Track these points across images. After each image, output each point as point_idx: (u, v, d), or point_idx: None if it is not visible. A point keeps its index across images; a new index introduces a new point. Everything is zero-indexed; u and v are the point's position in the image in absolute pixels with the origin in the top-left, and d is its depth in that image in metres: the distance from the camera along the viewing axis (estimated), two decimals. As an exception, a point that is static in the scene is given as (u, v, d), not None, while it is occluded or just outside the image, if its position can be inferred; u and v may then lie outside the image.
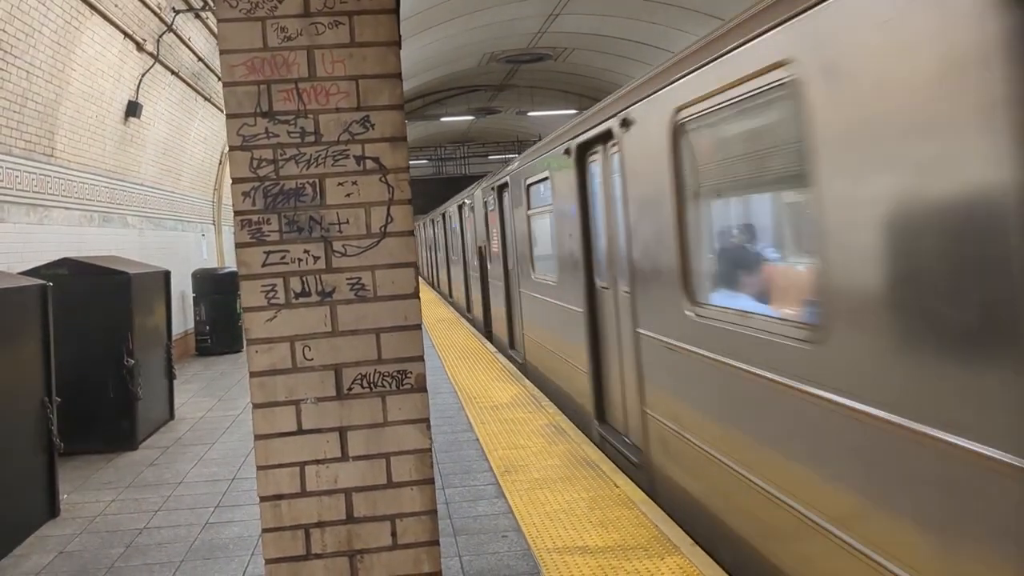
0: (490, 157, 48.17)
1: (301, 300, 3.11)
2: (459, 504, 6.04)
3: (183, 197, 16.20)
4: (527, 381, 10.55)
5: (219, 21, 3.08)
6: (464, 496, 6.21)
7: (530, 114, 35.59)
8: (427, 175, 48.88)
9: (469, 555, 5.10)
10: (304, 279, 3.11)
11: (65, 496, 6.97)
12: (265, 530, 3.12)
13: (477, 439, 7.81)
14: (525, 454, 7.14)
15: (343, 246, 3.12)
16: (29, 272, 8.16)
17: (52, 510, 6.58)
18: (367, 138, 3.13)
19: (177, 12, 12.73)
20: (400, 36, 3.21)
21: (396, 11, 3.16)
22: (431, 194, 42.10)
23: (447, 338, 15.53)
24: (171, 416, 10.06)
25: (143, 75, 12.39)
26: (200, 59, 14.40)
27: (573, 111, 31.99)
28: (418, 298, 3.16)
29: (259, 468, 3.11)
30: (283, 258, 3.10)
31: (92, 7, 10.00)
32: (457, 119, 38.09)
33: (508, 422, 8.37)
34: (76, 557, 5.71)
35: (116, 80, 11.56)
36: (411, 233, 3.15)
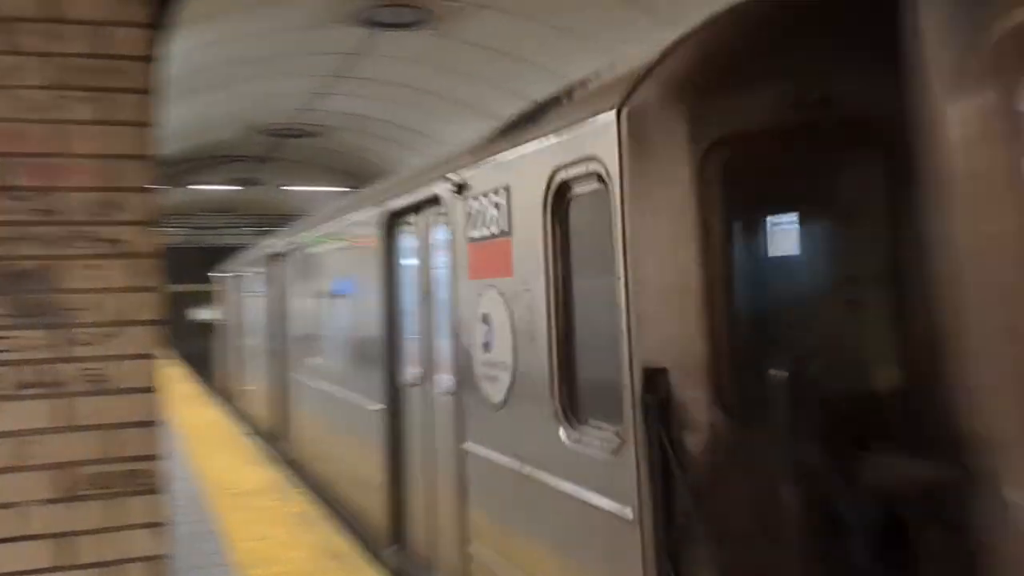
0: (243, 230, 46.35)
1: (28, 391, 2.86)
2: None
3: None
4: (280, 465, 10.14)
5: (-43, 86, 2.85)
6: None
7: (289, 189, 34.96)
8: (180, 244, 46.10)
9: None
10: (35, 369, 2.86)
11: None
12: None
13: (216, 531, 7.40)
14: (270, 545, 6.83)
15: (81, 335, 2.90)
16: None
17: None
18: (115, 220, 2.96)
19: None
20: (157, 117, 3.09)
21: (153, 92, 3.05)
22: (187, 264, 40.08)
23: (189, 416, 14.72)
24: None
25: None
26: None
27: (341, 188, 31.76)
28: (158, 393, 2.98)
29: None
30: (12, 346, 2.84)
31: None
32: (217, 188, 36.77)
33: (254, 510, 8.00)
34: None
35: None
36: (157, 323, 2.99)
